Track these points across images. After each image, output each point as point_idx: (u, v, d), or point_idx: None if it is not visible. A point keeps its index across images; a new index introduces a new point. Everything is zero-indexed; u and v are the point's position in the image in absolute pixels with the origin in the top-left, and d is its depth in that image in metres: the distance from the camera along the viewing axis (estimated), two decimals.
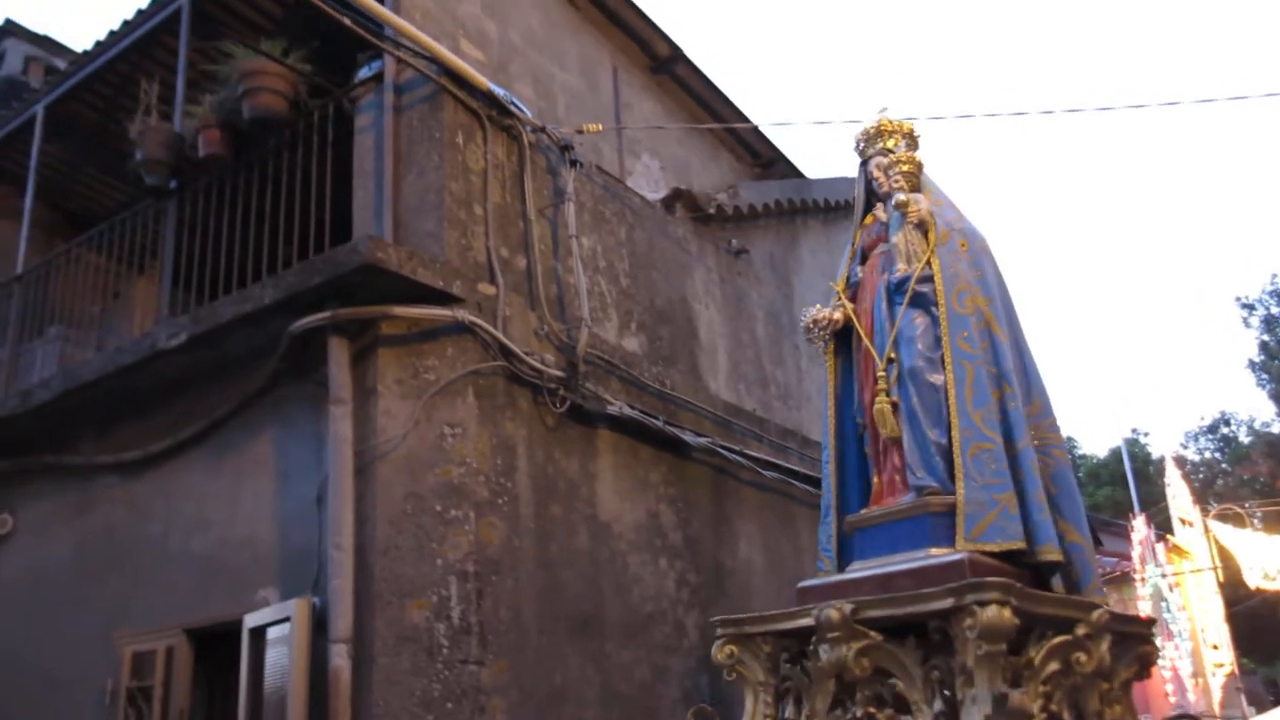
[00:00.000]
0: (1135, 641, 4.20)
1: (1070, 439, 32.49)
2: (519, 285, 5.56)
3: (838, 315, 4.61)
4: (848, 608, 3.67)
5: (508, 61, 6.38)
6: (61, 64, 8.97)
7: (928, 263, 4.33)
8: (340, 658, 4.39)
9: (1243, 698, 15.79)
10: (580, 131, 6.20)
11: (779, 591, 6.25)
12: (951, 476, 4.03)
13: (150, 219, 6.51)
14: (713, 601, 6.21)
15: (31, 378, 7.01)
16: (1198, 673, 14.90)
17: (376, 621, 4.47)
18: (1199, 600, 16.04)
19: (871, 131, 4.78)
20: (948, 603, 3.49)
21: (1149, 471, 25.09)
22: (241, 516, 5.22)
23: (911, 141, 4.77)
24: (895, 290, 4.39)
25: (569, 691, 5.14)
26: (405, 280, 4.75)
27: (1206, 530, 16.40)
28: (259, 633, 4.77)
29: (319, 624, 4.52)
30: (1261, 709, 14.63)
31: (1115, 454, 27.01)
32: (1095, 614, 3.70)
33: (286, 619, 4.60)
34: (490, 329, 5.12)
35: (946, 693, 3.56)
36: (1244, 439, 29.02)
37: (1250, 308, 27.39)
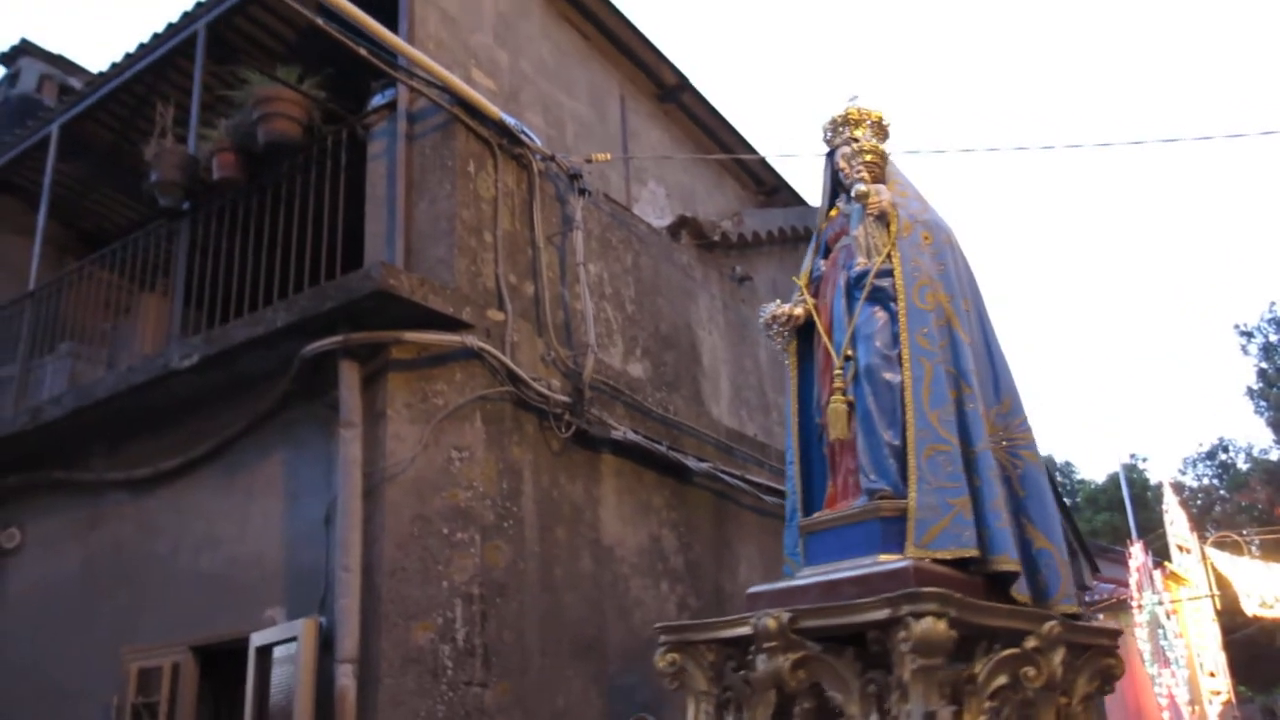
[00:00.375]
0: (1097, 654, 3.96)
1: (1068, 464, 32.58)
2: (527, 311, 5.65)
3: (799, 311, 4.45)
4: (785, 616, 3.52)
5: (518, 90, 6.50)
6: (76, 83, 9.12)
7: (888, 256, 4.15)
8: (346, 678, 4.45)
9: None
10: (589, 160, 6.31)
11: None
12: (905, 480, 3.86)
13: (163, 239, 6.61)
14: None
15: (42, 394, 7.07)
16: (1194, 700, 14.91)
17: (382, 642, 4.53)
18: (1196, 627, 16.07)
19: (839, 120, 4.55)
20: (884, 613, 3.33)
21: (1147, 497, 25.14)
22: (250, 535, 5.28)
23: (880, 131, 4.54)
24: (854, 285, 4.22)
25: (571, 714, 5.19)
26: (416, 306, 4.83)
27: (1204, 557, 16.45)
28: (265, 651, 4.83)
29: (325, 644, 4.57)
30: None
31: (1113, 479, 27.07)
32: (1046, 626, 3.51)
33: (293, 638, 4.66)
34: (498, 355, 5.21)
35: (887, 707, 3.41)
36: (1242, 466, 29.17)
37: (1249, 335, 27.60)
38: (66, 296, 7.28)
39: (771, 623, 3.50)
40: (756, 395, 7.94)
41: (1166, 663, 14.65)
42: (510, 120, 5.78)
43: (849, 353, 4.13)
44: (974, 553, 3.71)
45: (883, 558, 3.74)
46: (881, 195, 4.22)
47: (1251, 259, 56.66)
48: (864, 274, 4.17)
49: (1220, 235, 61.59)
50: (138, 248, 6.73)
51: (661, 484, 6.31)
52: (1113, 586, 15.89)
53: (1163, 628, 15.08)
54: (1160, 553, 16.83)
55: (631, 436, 5.87)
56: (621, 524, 5.92)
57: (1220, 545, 16.86)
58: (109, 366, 7.06)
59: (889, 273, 4.12)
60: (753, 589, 4.06)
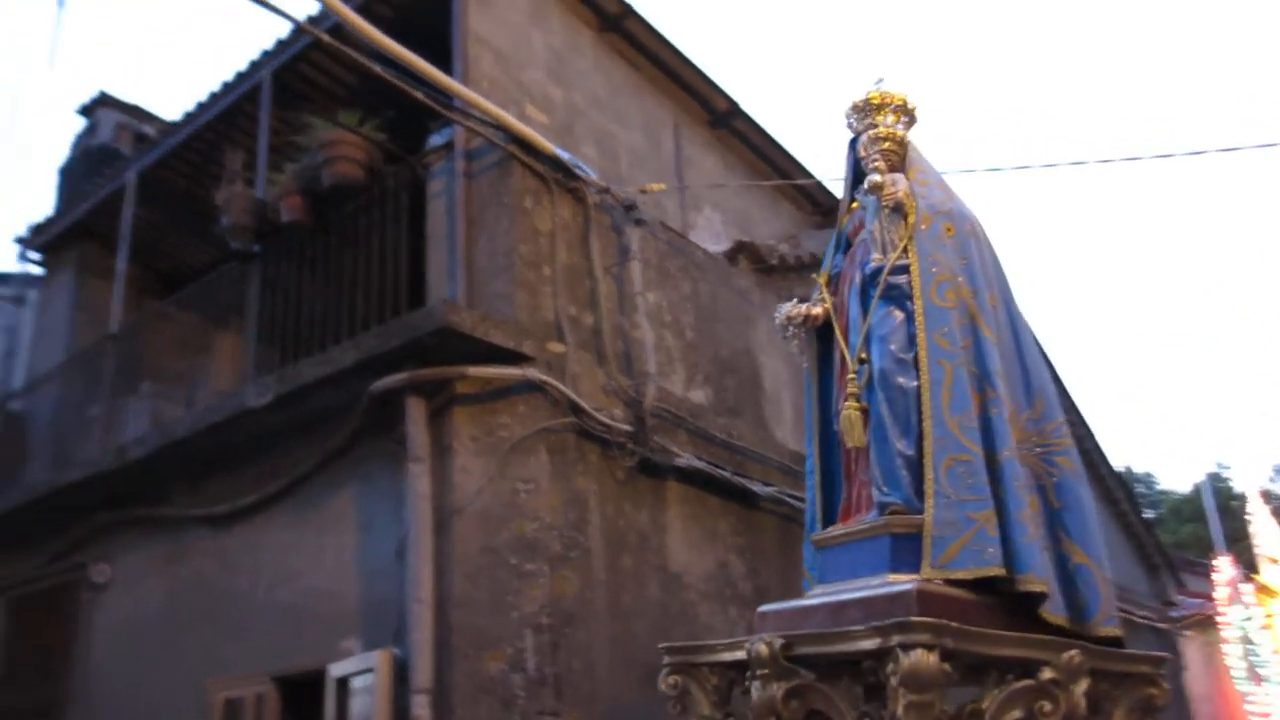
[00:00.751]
0: (1138, 683, 3.51)
1: (1149, 474, 31.57)
2: (587, 342, 5.72)
3: (817, 310, 4.07)
4: (778, 642, 3.25)
5: (572, 124, 6.60)
6: (149, 130, 9.49)
7: (904, 251, 3.77)
8: (421, 708, 4.54)
9: None
10: (643, 191, 6.38)
11: None
12: (920, 493, 3.51)
13: (236, 280, 6.84)
14: None
15: (125, 433, 7.35)
16: None
17: (455, 673, 4.61)
18: None
19: (861, 105, 4.11)
20: (874, 643, 3.02)
21: (1233, 507, 24.29)
22: (324, 569, 5.42)
23: (906, 115, 4.11)
24: (869, 283, 3.86)
25: None
26: (478, 342, 4.93)
27: None
28: (344, 682, 4.95)
29: (400, 674, 4.68)
30: None
31: (1198, 489, 26.22)
32: (1065, 656, 3.12)
33: (370, 669, 4.77)
34: (560, 386, 5.28)
35: None
36: None
37: None
38: (145, 337, 7.57)
39: (764, 649, 3.25)
40: None
41: (1259, 680, 14.11)
42: (564, 155, 5.88)
43: (864, 355, 3.81)
44: (999, 571, 3.35)
45: (892, 578, 3.41)
46: (897, 185, 3.83)
47: None
48: (878, 271, 3.81)
49: None
50: (212, 289, 6.98)
51: (727, 509, 6.32)
52: (1200, 601, 15.38)
53: (1253, 643, 14.54)
54: (1249, 565, 16.24)
55: (695, 463, 5.89)
56: (688, 550, 5.94)
57: None
58: (187, 405, 7.31)
59: (905, 269, 3.75)
60: (762, 608, 3.80)
